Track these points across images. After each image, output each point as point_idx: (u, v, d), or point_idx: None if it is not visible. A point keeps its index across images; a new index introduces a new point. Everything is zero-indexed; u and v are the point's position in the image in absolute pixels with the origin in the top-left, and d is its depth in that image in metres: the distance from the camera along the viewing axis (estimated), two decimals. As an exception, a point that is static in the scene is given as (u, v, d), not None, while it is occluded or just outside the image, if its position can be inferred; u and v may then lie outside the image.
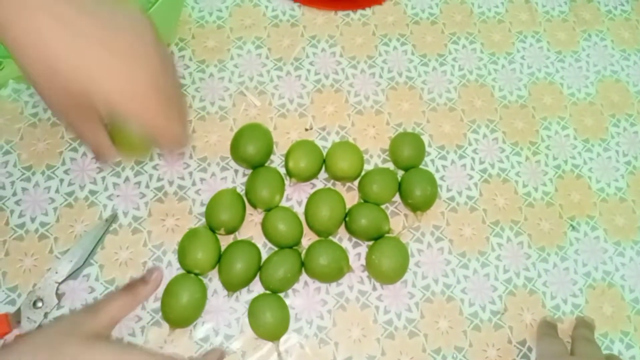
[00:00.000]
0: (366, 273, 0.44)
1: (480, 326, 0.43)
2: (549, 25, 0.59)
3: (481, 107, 0.53)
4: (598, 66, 0.57)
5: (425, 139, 0.50)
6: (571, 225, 0.49)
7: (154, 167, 0.47)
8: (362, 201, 0.46)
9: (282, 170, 0.47)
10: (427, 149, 0.50)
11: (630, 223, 0.50)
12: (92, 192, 0.45)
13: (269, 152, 0.46)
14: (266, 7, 0.55)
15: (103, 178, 0.46)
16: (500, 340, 0.43)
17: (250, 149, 0.45)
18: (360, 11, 0.57)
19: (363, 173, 0.47)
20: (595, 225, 0.49)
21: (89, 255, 0.42)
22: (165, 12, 0.43)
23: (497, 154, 0.51)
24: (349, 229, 0.45)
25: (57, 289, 0.41)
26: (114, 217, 0.44)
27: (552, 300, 0.45)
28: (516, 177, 0.50)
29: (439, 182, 0.48)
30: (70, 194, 0.45)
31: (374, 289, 0.44)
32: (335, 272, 0.42)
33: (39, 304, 0.40)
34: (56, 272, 0.41)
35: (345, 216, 0.44)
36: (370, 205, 0.45)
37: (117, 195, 0.45)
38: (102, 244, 0.43)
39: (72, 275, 0.41)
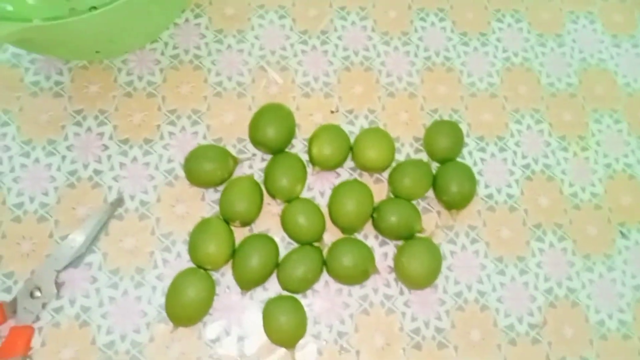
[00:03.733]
0: (393, 275, 0.40)
1: (516, 340, 0.40)
2: (605, 4, 0.53)
3: (526, 94, 0.48)
4: (658, 53, 0.52)
5: (462, 127, 0.45)
6: (621, 232, 0.44)
7: (164, 147, 0.42)
8: (391, 196, 0.42)
9: (304, 157, 0.43)
10: (465, 139, 0.45)
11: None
12: (97, 172, 0.41)
13: (290, 136, 0.42)
14: (292, -28, 0.50)
15: (109, 157, 0.42)
16: (538, 357, 0.39)
17: (271, 133, 0.41)
18: (396, -20, 0.51)
19: (394, 164, 0.43)
20: (647, 233, 0.44)
21: (92, 241, 0.39)
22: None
23: (542, 148, 0.46)
24: (376, 226, 0.40)
25: (57, 277, 0.37)
26: (119, 201, 0.40)
27: (597, 315, 0.41)
28: (562, 175, 0.45)
29: (476, 177, 0.43)
30: (72, 172, 0.41)
31: (401, 293, 0.40)
32: (359, 274, 0.38)
33: (37, 293, 0.36)
34: (56, 259, 0.38)
35: (373, 212, 0.40)
36: (401, 201, 0.40)
37: (124, 177, 0.41)
38: (107, 229, 0.40)
39: (73, 263, 0.38)
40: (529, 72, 0.49)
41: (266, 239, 0.39)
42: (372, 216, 0.40)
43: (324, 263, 0.39)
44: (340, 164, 0.42)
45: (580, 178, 0.45)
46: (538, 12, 0.52)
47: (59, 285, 0.37)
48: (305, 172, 0.41)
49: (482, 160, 0.45)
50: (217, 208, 0.41)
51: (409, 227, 0.39)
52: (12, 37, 0.32)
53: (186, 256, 0.39)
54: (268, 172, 0.40)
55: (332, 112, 0.45)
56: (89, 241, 0.39)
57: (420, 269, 0.38)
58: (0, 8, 0.39)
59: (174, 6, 0.43)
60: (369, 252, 0.39)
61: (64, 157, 0.41)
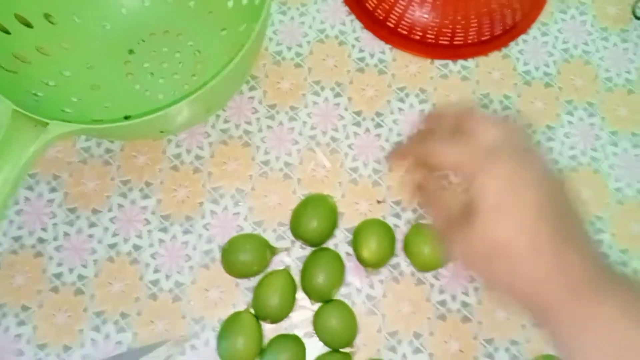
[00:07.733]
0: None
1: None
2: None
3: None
4: None
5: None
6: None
7: (205, 227, 0.42)
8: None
9: (345, 248, 0.41)
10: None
11: None
12: (136, 247, 0.41)
13: (332, 230, 0.40)
14: (353, 46, 0.48)
15: (149, 232, 0.41)
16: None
17: (313, 226, 0.39)
18: (460, 62, 0.48)
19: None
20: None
21: None
22: (254, 50, 0.37)
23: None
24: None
25: None
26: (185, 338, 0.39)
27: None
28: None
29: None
30: (113, 245, 0.41)
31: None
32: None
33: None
34: None
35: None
36: None
37: (162, 255, 0.41)
38: (141, 313, 0.39)
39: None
40: (597, 175, 0.45)
41: (295, 341, 0.38)
42: None
43: (353, 375, 0.37)
44: (389, 259, 0.40)
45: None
46: (615, 107, 0.48)
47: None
48: (343, 272, 0.40)
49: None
50: (250, 296, 0.40)
51: None
52: (71, 135, 0.32)
53: (213, 345, 0.39)
54: (305, 271, 0.39)
55: (378, 202, 0.43)
56: None
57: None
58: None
59: (237, 84, 0.42)
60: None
61: (106, 229, 0.41)
